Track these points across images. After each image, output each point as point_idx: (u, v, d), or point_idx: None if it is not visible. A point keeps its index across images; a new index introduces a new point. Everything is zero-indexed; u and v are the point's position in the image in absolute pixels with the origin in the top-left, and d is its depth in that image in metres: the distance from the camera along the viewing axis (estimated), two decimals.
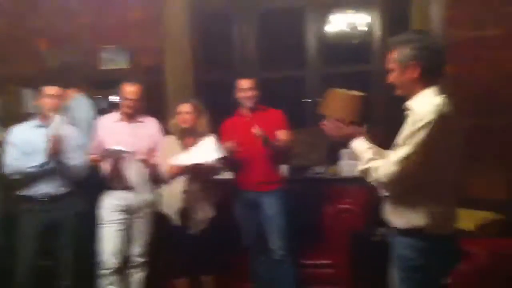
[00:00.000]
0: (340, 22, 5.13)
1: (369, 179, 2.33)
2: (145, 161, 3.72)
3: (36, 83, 3.83)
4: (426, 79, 2.29)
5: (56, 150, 3.53)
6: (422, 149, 2.16)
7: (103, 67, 4.88)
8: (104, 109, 4.41)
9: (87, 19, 4.93)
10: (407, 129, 2.22)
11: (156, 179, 3.79)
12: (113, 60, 4.86)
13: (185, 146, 3.76)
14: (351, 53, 5.27)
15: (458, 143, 2.28)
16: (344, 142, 2.54)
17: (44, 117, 3.68)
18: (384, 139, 2.56)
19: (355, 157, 2.47)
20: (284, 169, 4.19)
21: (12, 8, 5.06)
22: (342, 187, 4.29)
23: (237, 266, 3.99)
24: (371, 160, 2.33)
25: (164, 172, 3.71)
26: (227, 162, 3.75)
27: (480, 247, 3.18)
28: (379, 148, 2.50)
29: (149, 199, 3.79)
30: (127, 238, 3.76)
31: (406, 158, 2.17)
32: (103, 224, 3.71)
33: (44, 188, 3.66)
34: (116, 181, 3.72)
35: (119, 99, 3.81)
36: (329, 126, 2.54)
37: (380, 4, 4.95)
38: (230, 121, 3.97)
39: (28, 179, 3.63)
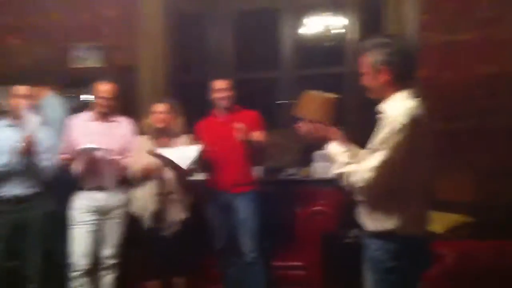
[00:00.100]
0: (314, 25, 5.14)
1: (344, 183, 2.34)
2: (117, 161, 3.68)
3: (6, 81, 3.75)
4: (398, 83, 2.31)
5: (29, 151, 3.47)
6: (397, 153, 2.17)
7: (75, 65, 4.81)
8: (76, 108, 4.34)
9: (60, 16, 4.84)
10: (380, 133, 2.23)
11: (128, 179, 3.75)
12: (86, 58, 4.79)
13: (159, 146, 3.73)
14: (325, 55, 5.30)
15: (429, 146, 2.30)
16: (318, 144, 2.55)
17: (14, 117, 3.61)
18: (357, 141, 2.57)
19: (330, 160, 2.48)
20: (257, 170, 4.18)
21: None
22: (315, 189, 4.30)
23: (209, 268, 3.97)
24: (347, 164, 2.34)
25: (137, 172, 3.67)
26: (201, 163, 3.72)
27: (450, 249, 3.22)
28: (355, 149, 2.52)
29: (121, 200, 3.74)
30: (98, 239, 3.71)
31: (382, 163, 2.19)
32: (73, 225, 3.66)
33: (12, 189, 3.60)
34: (88, 181, 3.67)
35: (93, 98, 3.76)
36: (304, 127, 2.54)
37: (355, 7, 4.98)
38: (205, 122, 3.95)
39: None
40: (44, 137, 3.64)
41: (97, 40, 4.83)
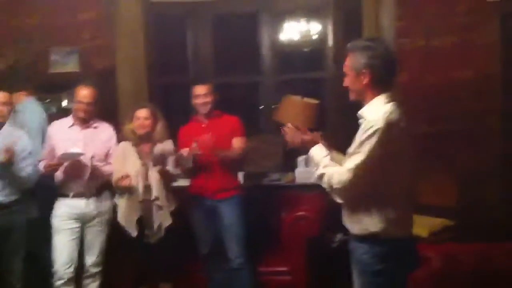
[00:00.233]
0: (294, 29, 5.16)
1: (324, 186, 2.37)
2: (99, 168, 3.63)
3: None
4: (377, 87, 2.34)
5: (8, 160, 3.39)
6: (372, 156, 2.21)
7: (53, 70, 4.71)
8: (54, 114, 4.27)
9: (36, 20, 4.75)
10: (358, 137, 2.27)
11: (111, 186, 3.70)
12: (64, 63, 4.70)
13: (141, 153, 3.70)
14: (305, 60, 5.33)
15: (409, 149, 2.33)
16: (301, 149, 2.57)
17: None
18: (338, 145, 2.62)
19: (313, 164, 2.50)
20: (239, 176, 4.18)
21: None
22: (298, 194, 4.31)
23: (195, 274, 3.95)
24: (326, 167, 2.37)
25: (118, 181, 3.63)
26: (184, 168, 3.70)
27: (435, 252, 3.26)
28: (337, 154, 2.56)
29: (104, 207, 3.70)
30: (82, 247, 3.66)
31: (358, 166, 2.22)
32: (56, 232, 3.61)
33: None
34: (70, 187, 3.61)
35: (73, 102, 3.70)
36: (288, 133, 2.56)
37: (334, 13, 5.01)
38: (186, 128, 3.92)
39: None
40: (23, 144, 3.56)
41: (75, 44, 4.75)
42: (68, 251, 3.58)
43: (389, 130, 2.21)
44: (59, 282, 3.57)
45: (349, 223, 2.43)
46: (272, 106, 4.95)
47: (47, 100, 4.47)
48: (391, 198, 2.31)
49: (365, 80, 2.34)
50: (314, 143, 2.49)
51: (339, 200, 2.36)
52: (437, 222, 3.73)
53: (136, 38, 4.71)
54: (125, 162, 3.67)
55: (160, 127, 3.76)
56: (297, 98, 4.53)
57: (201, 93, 3.78)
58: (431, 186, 4.02)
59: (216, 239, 3.78)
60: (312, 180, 2.53)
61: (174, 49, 5.25)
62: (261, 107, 5.19)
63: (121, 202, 3.67)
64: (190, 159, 3.61)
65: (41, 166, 3.62)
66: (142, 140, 3.73)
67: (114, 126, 3.88)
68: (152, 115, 3.73)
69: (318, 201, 3.92)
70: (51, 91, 4.54)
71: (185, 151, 3.59)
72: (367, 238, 2.34)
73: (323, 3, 5.06)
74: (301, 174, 4.47)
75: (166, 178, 3.65)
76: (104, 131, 3.77)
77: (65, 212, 3.62)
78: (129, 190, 3.63)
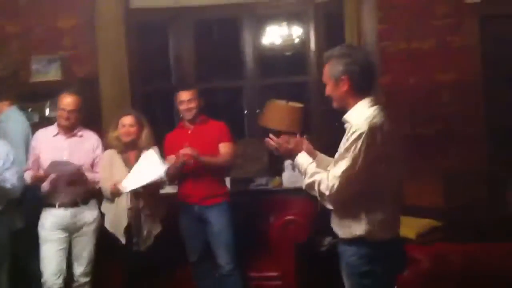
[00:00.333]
0: (276, 34, 5.18)
1: (312, 193, 2.39)
2: (85, 177, 3.59)
3: None
4: (357, 92, 2.38)
5: None
6: (358, 161, 2.23)
7: (34, 79, 4.65)
8: (37, 123, 4.21)
9: (17, 28, 4.71)
10: (343, 142, 2.30)
11: (98, 195, 3.67)
12: (45, 71, 4.64)
13: (127, 160, 3.67)
14: (288, 64, 5.35)
15: (396, 151, 2.36)
16: (286, 157, 2.57)
17: None
18: (323, 148, 2.65)
19: (299, 171, 2.51)
20: (226, 181, 4.16)
21: None
22: (286, 198, 4.31)
23: (184, 281, 3.92)
24: (314, 174, 2.38)
25: (106, 190, 3.60)
26: (171, 175, 3.68)
27: (423, 253, 3.29)
28: (325, 157, 2.59)
29: (91, 216, 3.66)
30: (70, 257, 3.62)
31: (345, 171, 2.24)
32: (43, 243, 3.56)
33: None
34: (57, 197, 3.57)
35: (56, 111, 3.67)
36: (272, 142, 2.56)
37: (315, 16, 5.04)
38: (172, 134, 3.90)
39: None
40: (4, 154, 3.51)
41: (56, 52, 4.70)
42: (57, 261, 3.54)
43: (373, 134, 2.23)
44: None
45: (337, 227, 2.45)
46: (257, 111, 4.96)
47: (30, 109, 4.40)
48: (378, 201, 2.33)
49: (345, 87, 2.38)
50: (298, 151, 2.51)
51: (329, 206, 2.37)
52: (424, 223, 3.75)
53: (118, 45, 4.68)
54: (112, 170, 3.63)
55: (145, 134, 3.73)
56: (281, 103, 4.55)
57: (185, 99, 3.75)
58: (418, 187, 4.05)
59: (205, 246, 3.76)
60: (300, 184, 2.54)
61: (156, 56, 5.22)
62: (245, 112, 5.18)
63: (109, 210, 3.64)
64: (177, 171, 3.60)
65: (27, 176, 3.58)
66: (128, 148, 3.70)
67: (98, 134, 3.84)
68: (137, 122, 3.70)
69: (307, 205, 3.92)
70: (33, 100, 4.47)
71: (170, 168, 3.56)
72: (354, 241, 2.36)
73: (304, 7, 5.07)
74: (288, 178, 4.47)
75: (154, 186, 3.62)
76: (89, 140, 3.74)
77: (52, 222, 3.57)
78: (118, 196, 3.59)
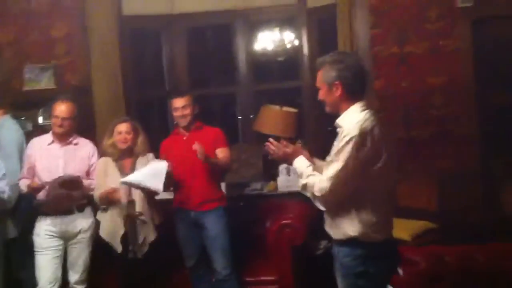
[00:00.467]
0: (269, 39, 5.20)
1: (307, 194, 2.44)
2: (81, 185, 3.57)
3: None
4: (350, 97, 2.43)
5: None
6: (349, 163, 2.28)
7: (27, 87, 4.64)
8: (30, 131, 4.20)
9: (10, 37, 4.70)
10: (336, 145, 2.36)
11: (93, 203, 3.65)
12: (37, 79, 4.64)
13: (122, 168, 3.65)
14: (281, 70, 5.37)
15: (387, 154, 2.38)
16: (283, 161, 2.60)
17: None
18: (316, 152, 2.69)
19: (297, 175, 2.56)
20: (221, 186, 4.16)
21: None
22: (281, 202, 4.30)
23: (181, 286, 3.90)
24: (309, 176, 2.43)
25: (101, 197, 3.58)
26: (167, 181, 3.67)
27: (419, 255, 3.29)
28: (320, 161, 2.61)
29: (87, 224, 3.64)
30: (65, 265, 3.59)
31: (337, 173, 2.29)
32: (38, 251, 3.54)
33: None
34: (52, 205, 3.54)
35: (49, 119, 3.66)
36: (271, 147, 2.58)
37: (308, 22, 5.06)
38: (168, 140, 3.90)
39: None
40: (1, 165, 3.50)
41: (49, 61, 4.70)
42: (52, 269, 3.52)
43: (363, 137, 2.28)
44: None
45: (330, 229, 2.50)
46: (251, 116, 4.97)
47: (23, 118, 4.38)
48: (371, 202, 2.37)
49: (338, 92, 2.42)
50: (297, 155, 2.55)
51: (321, 208, 2.43)
52: (419, 225, 3.77)
53: (111, 52, 4.68)
54: (106, 178, 3.62)
55: (141, 140, 3.72)
56: (275, 108, 4.57)
57: (179, 106, 3.74)
58: (412, 189, 4.07)
59: (202, 251, 3.75)
60: (295, 188, 2.56)
61: (149, 63, 5.23)
62: (239, 117, 5.19)
63: (105, 218, 3.62)
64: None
65: (22, 184, 3.56)
66: (123, 155, 3.68)
67: (92, 141, 3.83)
68: (133, 129, 3.69)
69: (302, 209, 3.91)
70: (26, 108, 4.47)
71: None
72: (348, 242, 2.40)
73: (297, 13, 5.10)
74: (283, 182, 4.48)
75: (149, 192, 3.61)
76: (84, 148, 3.73)
77: (47, 231, 3.55)
78: (113, 204, 3.58)
